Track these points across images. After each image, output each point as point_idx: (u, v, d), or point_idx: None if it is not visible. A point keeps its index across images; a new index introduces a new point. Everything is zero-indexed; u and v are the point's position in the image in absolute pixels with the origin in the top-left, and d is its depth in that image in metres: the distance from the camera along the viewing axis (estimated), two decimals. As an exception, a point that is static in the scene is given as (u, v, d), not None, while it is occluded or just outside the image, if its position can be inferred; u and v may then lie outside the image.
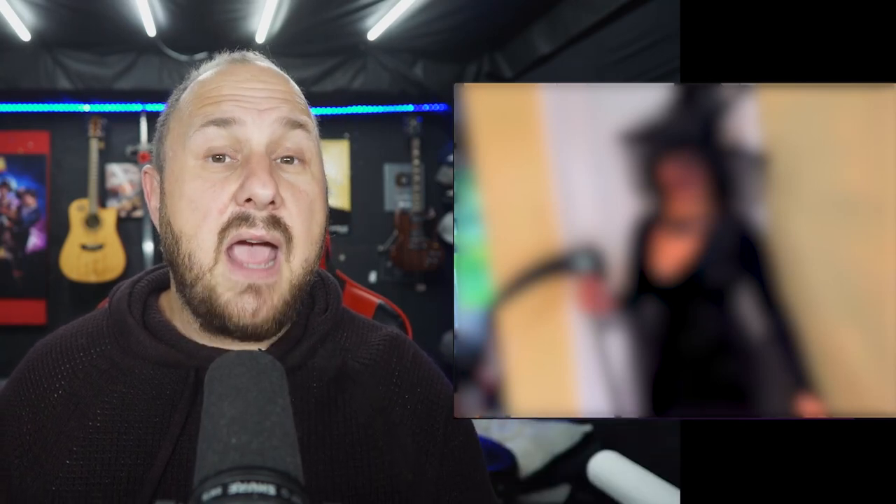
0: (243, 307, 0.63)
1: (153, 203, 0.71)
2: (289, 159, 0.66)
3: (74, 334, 0.72)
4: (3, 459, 0.67)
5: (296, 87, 0.71)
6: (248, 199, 0.62)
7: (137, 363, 0.68)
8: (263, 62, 0.71)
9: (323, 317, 0.72)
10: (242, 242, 0.63)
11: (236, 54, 0.71)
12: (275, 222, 0.63)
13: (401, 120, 4.02)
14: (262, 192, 0.61)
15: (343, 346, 0.73)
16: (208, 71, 0.70)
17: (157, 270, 0.76)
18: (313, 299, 0.75)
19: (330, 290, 0.76)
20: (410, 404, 0.73)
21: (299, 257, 0.65)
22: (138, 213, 3.88)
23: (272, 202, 0.63)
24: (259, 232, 0.62)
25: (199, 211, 0.63)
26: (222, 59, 0.71)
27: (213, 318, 0.64)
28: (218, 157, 0.64)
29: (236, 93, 0.65)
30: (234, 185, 0.63)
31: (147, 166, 0.73)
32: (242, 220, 0.62)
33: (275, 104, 0.65)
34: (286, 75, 0.71)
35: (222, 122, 0.64)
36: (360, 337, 0.76)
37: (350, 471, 0.67)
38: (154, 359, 0.67)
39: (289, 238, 0.64)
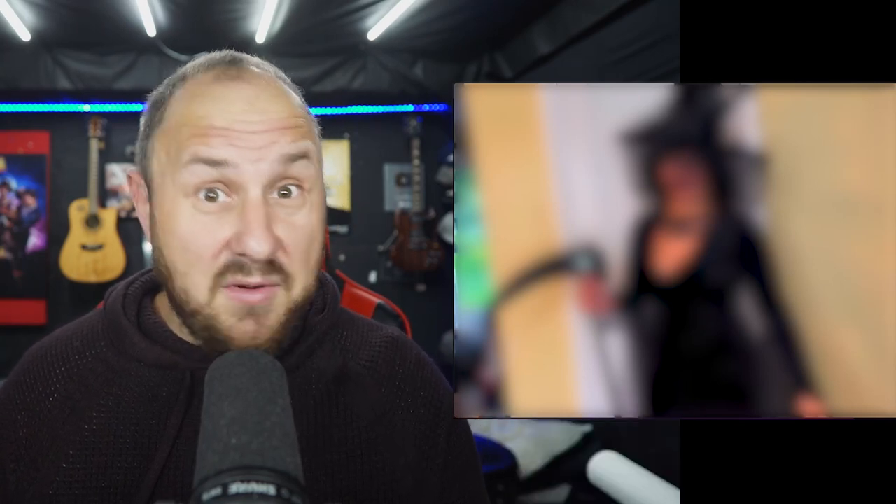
0: (244, 331, 0.62)
1: (141, 208, 0.69)
2: (287, 192, 0.63)
3: (69, 337, 0.72)
4: None
5: (295, 98, 0.67)
6: (244, 253, 0.60)
7: (133, 365, 0.67)
8: (258, 69, 0.66)
9: (320, 316, 0.72)
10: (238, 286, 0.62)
11: (227, 58, 0.66)
12: (271, 267, 0.62)
13: (401, 120, 4.02)
14: (259, 248, 0.59)
15: (343, 346, 0.73)
16: (197, 75, 0.65)
17: (152, 271, 0.74)
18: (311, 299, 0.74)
19: (327, 290, 0.75)
20: (413, 408, 0.72)
21: (298, 288, 0.64)
22: (138, 213, 3.88)
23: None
24: (255, 280, 0.61)
25: (191, 252, 0.61)
26: (212, 61, 0.66)
27: (216, 343, 0.63)
28: (211, 196, 0.61)
29: (228, 127, 0.61)
30: (229, 231, 0.61)
31: (132, 170, 0.70)
32: (237, 268, 0.61)
33: (273, 138, 0.62)
34: (284, 85, 0.66)
35: (213, 163, 0.60)
36: (360, 337, 0.75)
37: (350, 474, 0.66)
38: (149, 361, 0.67)
39: (286, 277, 0.63)
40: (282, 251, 0.62)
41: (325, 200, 0.68)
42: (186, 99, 0.64)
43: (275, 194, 0.62)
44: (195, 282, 0.62)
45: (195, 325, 0.63)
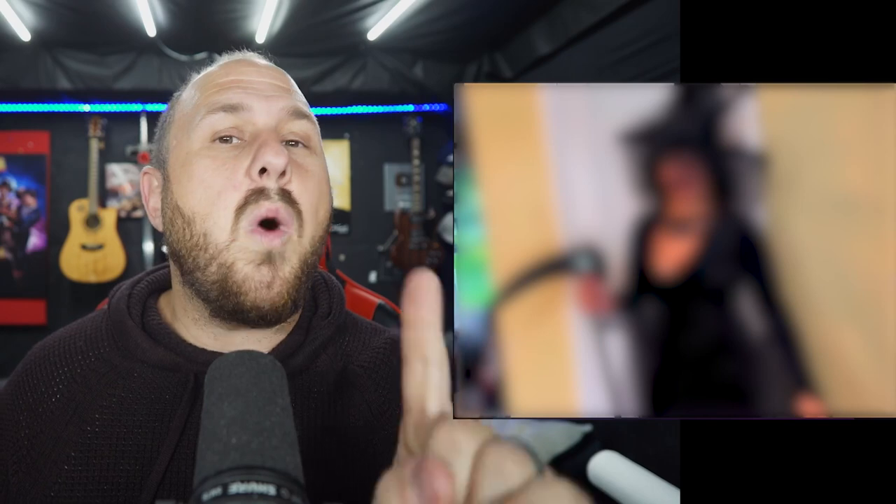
0: (260, 279, 0.62)
1: (152, 204, 0.70)
2: (294, 143, 0.66)
3: (73, 337, 0.72)
4: (0, 465, 0.66)
5: (297, 88, 0.72)
6: (262, 171, 0.62)
7: (136, 366, 0.67)
8: (264, 60, 0.72)
9: (325, 321, 0.71)
10: (259, 225, 0.63)
11: (237, 54, 0.72)
12: (286, 197, 0.63)
13: (401, 120, 4.02)
14: (276, 160, 0.61)
15: (344, 352, 0.72)
16: (211, 67, 0.71)
17: (157, 271, 0.75)
18: (316, 302, 0.74)
19: (333, 294, 0.75)
20: None
21: (308, 234, 0.65)
22: (138, 213, 3.88)
23: (284, 173, 0.62)
24: (275, 204, 0.62)
25: (212, 189, 0.62)
26: (223, 59, 0.72)
27: (229, 297, 0.62)
28: (225, 139, 0.64)
29: (242, 79, 0.66)
30: (246, 161, 0.63)
31: (147, 167, 0.72)
32: (258, 193, 0.62)
33: (280, 93, 0.66)
34: (288, 77, 0.71)
35: (230, 108, 0.64)
36: (362, 342, 0.74)
37: (350, 477, 0.66)
38: (153, 362, 0.66)
39: (299, 213, 0.64)
40: (295, 184, 0.64)
41: (328, 178, 0.70)
42: (203, 76, 0.70)
43: (283, 142, 0.66)
44: (217, 220, 0.62)
45: (208, 282, 0.63)
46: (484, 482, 0.30)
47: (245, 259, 0.62)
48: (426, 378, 0.35)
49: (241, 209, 0.62)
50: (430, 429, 0.32)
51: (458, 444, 0.31)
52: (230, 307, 0.62)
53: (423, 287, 0.35)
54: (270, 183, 0.62)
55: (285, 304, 0.63)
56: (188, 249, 0.64)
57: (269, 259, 0.62)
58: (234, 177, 0.62)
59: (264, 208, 0.62)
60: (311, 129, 0.68)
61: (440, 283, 0.37)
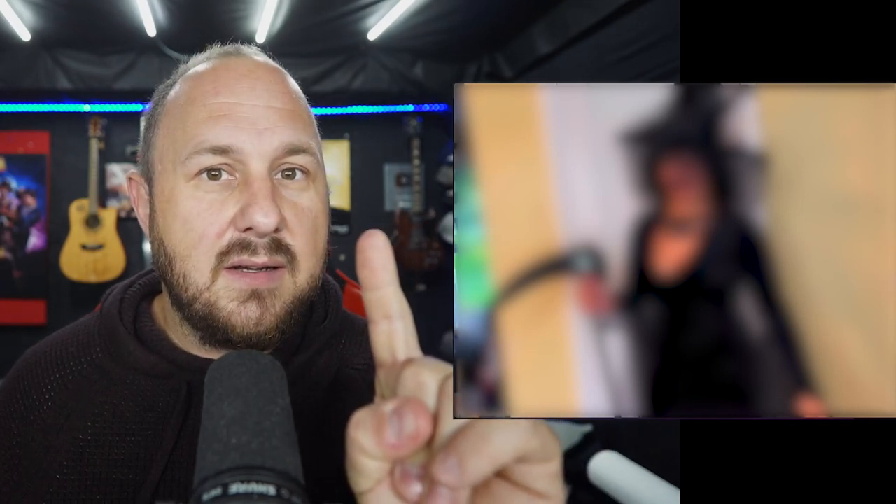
0: (247, 316, 0.59)
1: (141, 211, 0.68)
2: (290, 173, 0.62)
3: (65, 342, 0.70)
4: None
5: (294, 85, 0.67)
6: (249, 227, 0.58)
7: (129, 374, 0.65)
8: (259, 57, 0.66)
9: (321, 327, 0.70)
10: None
11: (229, 47, 0.67)
12: (277, 246, 0.60)
13: (401, 120, 4.02)
14: (265, 220, 0.57)
15: (340, 355, 0.71)
16: (199, 66, 0.66)
17: (150, 273, 0.73)
18: (311, 306, 0.72)
19: (329, 297, 0.73)
20: None
21: (304, 274, 0.62)
22: (138, 213, 3.88)
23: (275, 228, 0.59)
24: (261, 259, 0.59)
25: (193, 232, 0.59)
26: (213, 53, 0.67)
27: (216, 332, 0.61)
28: (214, 174, 0.60)
29: (232, 101, 0.60)
30: (233, 209, 0.59)
31: (132, 171, 0.70)
32: (243, 247, 0.59)
33: (275, 121, 0.61)
34: (284, 73, 0.67)
35: (219, 150, 0.59)
36: (358, 344, 0.73)
37: (344, 484, 0.66)
38: (145, 370, 0.65)
39: (292, 258, 0.61)
40: (287, 230, 0.60)
41: (327, 196, 0.67)
42: (190, 85, 0.64)
43: (278, 175, 0.62)
44: (196, 264, 0.59)
45: (194, 317, 0.61)
46: (447, 413, 0.32)
47: (228, 297, 0.60)
48: (391, 332, 0.38)
49: (223, 255, 0.59)
50: (399, 372, 0.34)
51: (424, 382, 0.33)
52: (219, 338, 0.61)
53: (374, 248, 0.36)
54: (258, 238, 0.59)
55: (273, 337, 0.61)
56: (171, 285, 0.62)
57: (255, 296, 0.60)
58: (218, 221, 0.59)
59: (248, 262, 0.59)
60: (308, 160, 0.63)
61: (389, 242, 0.38)
